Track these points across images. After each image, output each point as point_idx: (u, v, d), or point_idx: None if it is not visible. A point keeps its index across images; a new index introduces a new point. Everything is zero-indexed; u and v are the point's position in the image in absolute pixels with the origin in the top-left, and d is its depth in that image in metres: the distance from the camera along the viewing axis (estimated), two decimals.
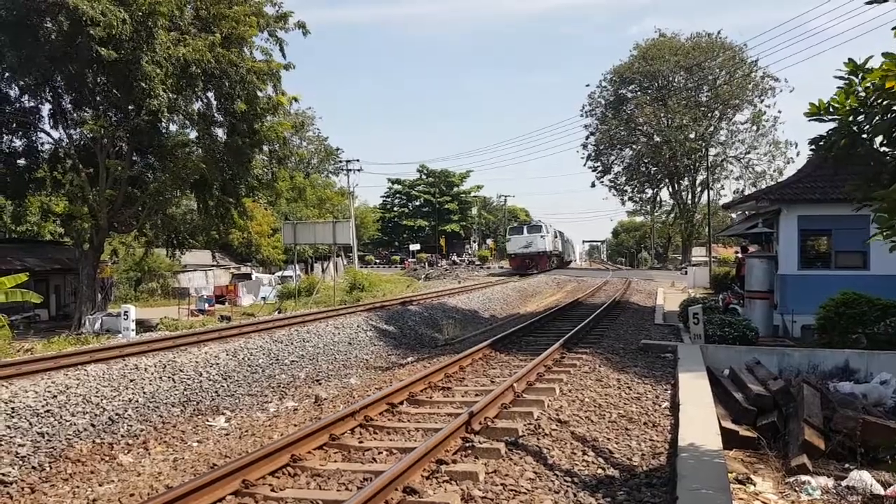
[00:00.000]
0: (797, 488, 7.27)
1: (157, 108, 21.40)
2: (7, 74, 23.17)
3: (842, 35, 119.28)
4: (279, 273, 49.14)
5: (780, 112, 63.05)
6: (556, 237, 61.26)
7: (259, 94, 24.71)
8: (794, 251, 16.82)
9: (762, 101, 64.16)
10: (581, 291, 35.37)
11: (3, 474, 7.16)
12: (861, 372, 11.73)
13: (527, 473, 6.46)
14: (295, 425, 9.03)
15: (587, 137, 71.88)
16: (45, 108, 25.10)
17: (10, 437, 7.85)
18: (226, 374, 11.65)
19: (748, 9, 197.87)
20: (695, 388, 9.30)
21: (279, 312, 26.01)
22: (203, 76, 22.70)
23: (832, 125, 5.38)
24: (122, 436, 8.76)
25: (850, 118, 5.17)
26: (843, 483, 7.39)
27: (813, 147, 5.83)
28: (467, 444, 7.22)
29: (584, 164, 73.22)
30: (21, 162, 25.70)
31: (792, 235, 16.84)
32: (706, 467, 5.96)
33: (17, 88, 24.18)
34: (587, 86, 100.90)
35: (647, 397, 9.76)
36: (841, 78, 5.20)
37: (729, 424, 9.01)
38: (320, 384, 12.29)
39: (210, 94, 24.91)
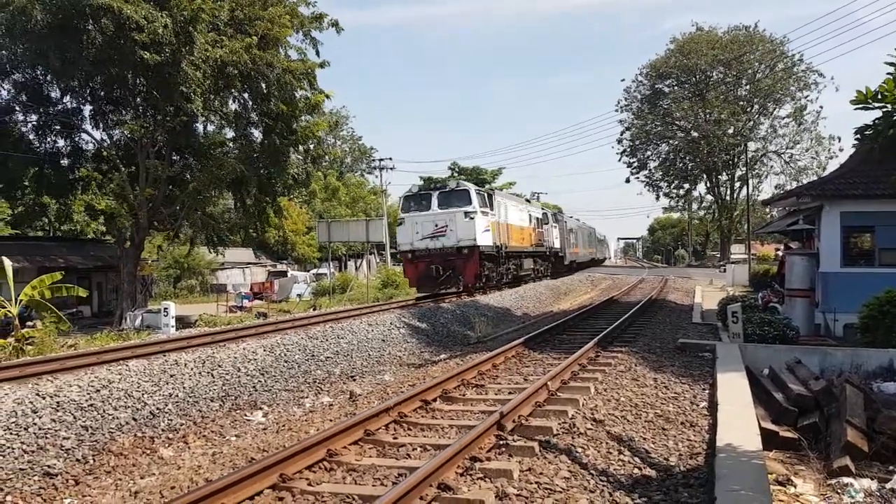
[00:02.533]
0: (839, 490, 7.11)
1: (196, 111, 21.81)
2: (50, 77, 23.80)
3: (884, 28, 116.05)
4: (314, 270, 49.65)
5: (821, 107, 61.76)
6: (546, 224, 36.85)
7: (296, 94, 25.03)
8: (837, 248, 16.44)
9: (805, 96, 62.90)
10: (616, 289, 35.04)
11: (49, 466, 7.35)
12: None
13: (561, 472, 6.42)
14: (330, 420, 9.11)
15: (622, 133, 71.37)
16: (87, 109, 25.73)
17: (56, 431, 8.05)
18: (263, 369, 11.80)
19: (784, 3, 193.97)
20: (733, 388, 9.16)
21: (314, 309, 26.27)
22: (240, 77, 23.03)
23: (878, 115, 5.25)
24: (163, 430, 8.93)
25: None
26: (888, 486, 7.22)
27: (858, 136, 5.69)
28: (501, 442, 7.20)
29: (619, 160, 72.69)
30: (64, 162, 26.38)
31: (834, 232, 16.46)
32: (745, 468, 5.87)
33: (59, 90, 24.82)
34: (622, 80, 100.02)
35: (684, 397, 9.63)
36: (891, 64, 5.07)
37: (769, 425, 8.85)
38: (355, 380, 12.38)
39: (246, 95, 25.29)
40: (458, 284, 24.51)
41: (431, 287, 24.56)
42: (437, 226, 24.28)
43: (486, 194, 26.05)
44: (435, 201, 24.62)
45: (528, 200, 35.74)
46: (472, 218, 23.81)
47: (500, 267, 27.47)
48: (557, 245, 39.65)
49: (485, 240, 24.58)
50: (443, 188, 25.10)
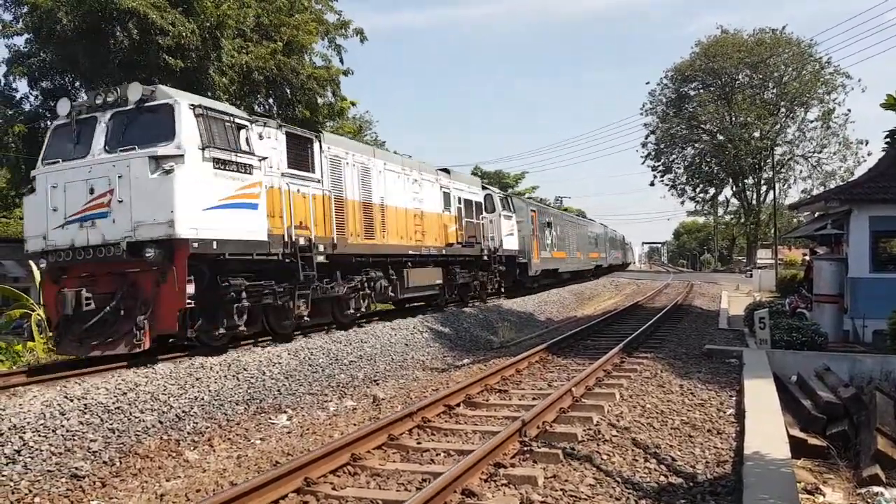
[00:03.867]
0: (869, 500, 6.99)
1: None
2: (78, 83, 24.20)
3: None
4: None
5: (849, 110, 61.00)
6: (492, 212, 24.12)
7: (319, 100, 25.21)
8: (866, 253, 16.18)
9: (833, 99, 62.06)
10: (640, 294, 34.77)
11: (76, 468, 7.43)
12: None
13: (587, 479, 6.38)
14: (354, 425, 9.14)
15: (647, 136, 70.87)
16: None
17: (83, 433, 8.14)
18: (287, 373, 11.86)
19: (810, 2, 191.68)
20: (761, 395, 9.05)
21: None
22: (265, 83, 23.25)
23: None
24: (189, 433, 9.00)
25: None
26: None
27: (888, 140, 5.67)
28: (525, 448, 7.18)
29: (643, 163, 72.16)
30: None
31: (863, 237, 16.20)
32: (773, 476, 5.79)
33: (85, 96, 25.24)
34: (647, 83, 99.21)
35: (710, 404, 9.53)
36: None
37: (797, 432, 8.73)
38: (378, 384, 12.40)
39: (271, 101, 25.53)
40: (134, 339, 10.48)
41: (76, 342, 10.95)
42: (93, 193, 10.71)
43: (249, 123, 12.28)
44: (101, 136, 11.07)
45: (445, 171, 21.45)
46: (168, 171, 10.31)
47: (306, 287, 13.44)
48: (513, 246, 25.65)
49: (219, 226, 11.01)
50: (121, 103, 11.13)
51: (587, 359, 13.08)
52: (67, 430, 8.07)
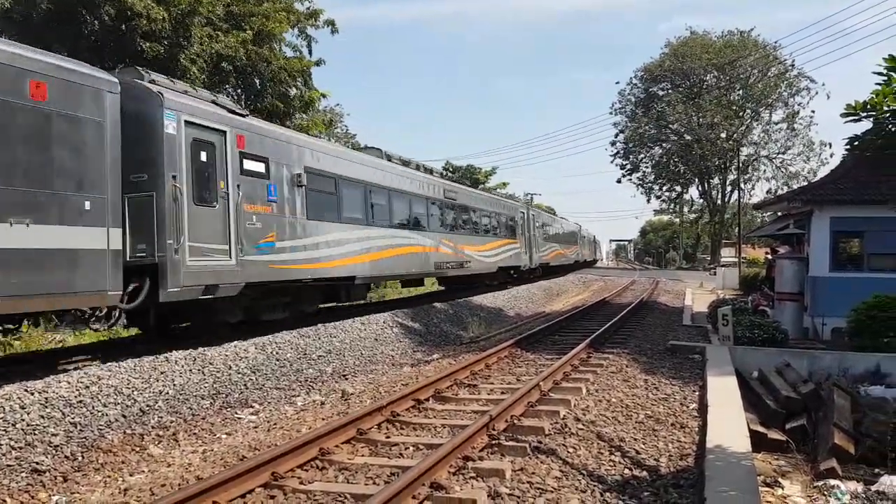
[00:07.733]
0: (826, 492, 7.18)
1: None
2: None
3: (879, 34, 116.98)
4: None
5: (813, 112, 62.39)
6: None
7: (290, 91, 24.95)
8: (826, 253, 16.57)
9: (798, 102, 63.39)
10: (607, 291, 35.13)
11: (37, 463, 7.31)
12: (893, 376, 11.55)
13: (553, 472, 6.46)
14: (322, 419, 9.11)
15: (616, 135, 71.64)
16: None
17: (44, 427, 8.00)
18: (254, 367, 11.77)
19: (775, 8, 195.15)
20: (723, 390, 9.23)
21: None
22: (234, 72, 22.94)
23: (869, 125, 5.33)
24: (153, 427, 8.90)
25: (889, 116, 5.12)
26: (873, 488, 7.30)
27: (848, 146, 5.81)
28: (493, 442, 7.24)
29: (612, 162, 72.97)
30: None
31: (824, 237, 16.58)
32: (734, 469, 5.93)
33: None
34: (617, 83, 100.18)
35: (674, 398, 9.69)
36: (880, 74, 5.13)
37: (757, 427, 8.93)
38: (347, 379, 12.37)
39: (240, 91, 25.21)
40: None
41: None
42: None
43: None
44: None
45: None
46: None
47: None
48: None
49: None
50: None
51: (555, 354, 13.20)
52: (28, 424, 7.92)
